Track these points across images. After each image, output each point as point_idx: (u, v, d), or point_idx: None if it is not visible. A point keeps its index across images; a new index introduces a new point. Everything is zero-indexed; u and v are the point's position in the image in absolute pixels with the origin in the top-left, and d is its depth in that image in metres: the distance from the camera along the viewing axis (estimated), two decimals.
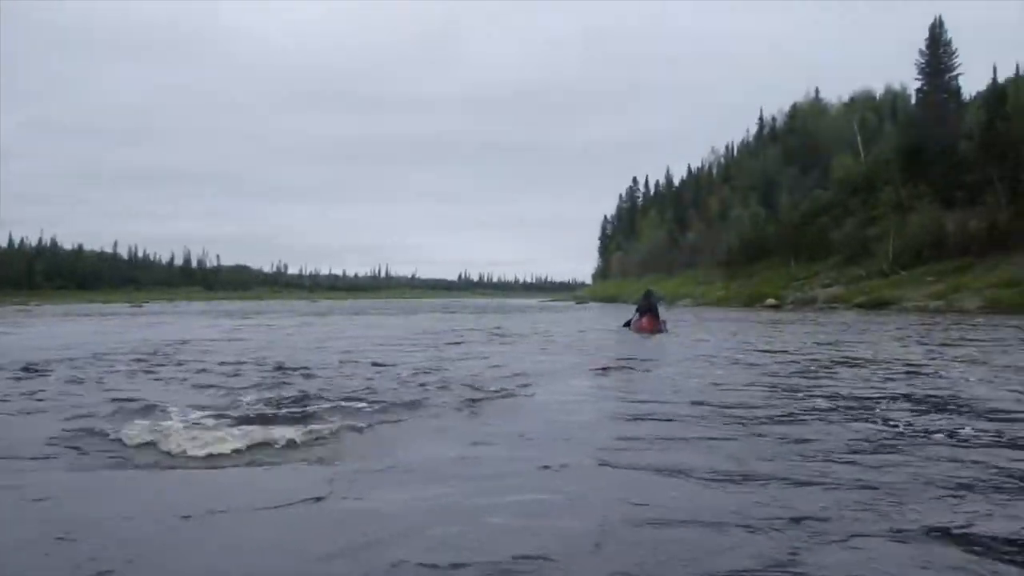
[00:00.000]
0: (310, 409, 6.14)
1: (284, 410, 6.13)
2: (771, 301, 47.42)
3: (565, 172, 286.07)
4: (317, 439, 5.06)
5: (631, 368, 10.26)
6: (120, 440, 5.01)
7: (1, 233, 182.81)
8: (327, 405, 6.35)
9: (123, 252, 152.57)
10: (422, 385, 7.91)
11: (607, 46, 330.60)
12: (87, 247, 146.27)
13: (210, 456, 4.62)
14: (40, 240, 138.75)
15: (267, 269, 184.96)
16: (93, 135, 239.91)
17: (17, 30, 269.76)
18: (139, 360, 11.26)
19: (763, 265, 62.85)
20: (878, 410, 6.36)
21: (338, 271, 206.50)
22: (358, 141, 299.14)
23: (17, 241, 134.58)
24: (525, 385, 8.07)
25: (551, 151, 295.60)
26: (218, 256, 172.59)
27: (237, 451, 4.71)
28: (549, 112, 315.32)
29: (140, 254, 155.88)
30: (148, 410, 6.12)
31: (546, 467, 4.36)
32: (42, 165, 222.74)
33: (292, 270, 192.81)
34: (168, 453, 4.69)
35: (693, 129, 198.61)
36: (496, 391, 7.50)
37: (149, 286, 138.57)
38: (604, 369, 10.08)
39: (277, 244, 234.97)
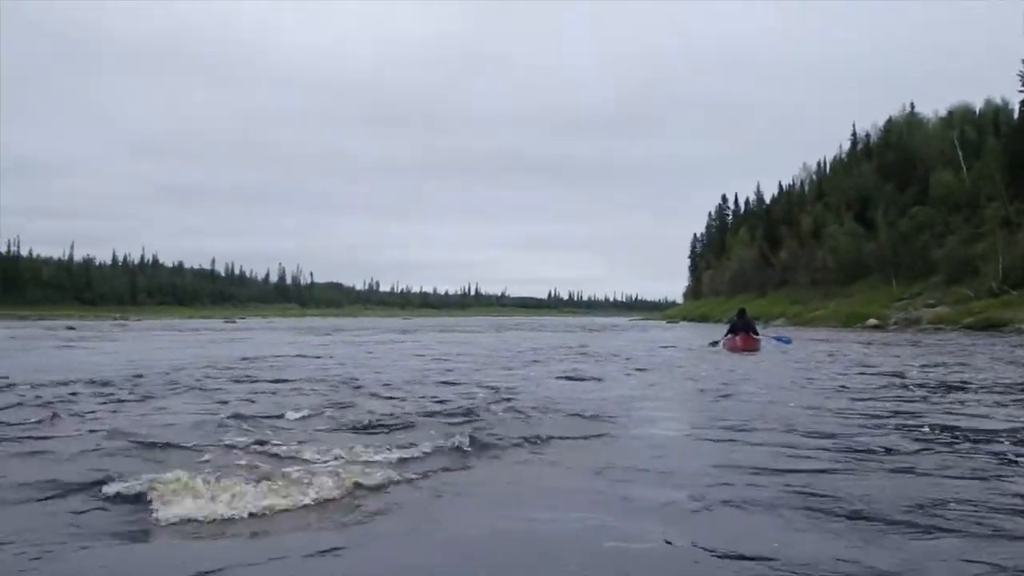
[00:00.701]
0: (399, 439, 5.72)
1: (366, 436, 5.78)
2: (873, 321, 45.56)
3: (651, 190, 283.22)
4: (411, 479, 4.56)
5: (729, 392, 9.67)
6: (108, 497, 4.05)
7: (105, 250, 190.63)
8: (420, 433, 5.96)
9: (220, 269, 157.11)
10: (513, 409, 7.48)
11: (689, 63, 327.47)
12: (187, 264, 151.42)
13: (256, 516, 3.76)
14: (142, 257, 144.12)
15: (359, 287, 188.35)
16: (181, 155, 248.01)
17: (102, 48, 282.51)
18: (207, 376, 11.19)
19: (861, 284, 60.66)
20: (1002, 444, 5.70)
21: (428, 289, 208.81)
22: (438, 159, 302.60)
23: (121, 258, 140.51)
24: (621, 409, 7.63)
25: (635, 169, 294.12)
26: (311, 274, 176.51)
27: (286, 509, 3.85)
28: (631, 129, 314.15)
29: (236, 271, 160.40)
30: (167, 451, 5.26)
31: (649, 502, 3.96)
32: (140, 184, 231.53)
33: (384, 287, 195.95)
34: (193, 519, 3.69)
35: (780, 145, 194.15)
36: (592, 416, 7.10)
37: (245, 302, 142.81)
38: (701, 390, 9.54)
39: (368, 262, 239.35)
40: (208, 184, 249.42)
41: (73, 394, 8.55)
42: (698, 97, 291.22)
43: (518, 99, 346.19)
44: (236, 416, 6.70)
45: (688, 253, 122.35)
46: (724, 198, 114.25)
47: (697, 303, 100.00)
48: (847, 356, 17.39)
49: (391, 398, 8.41)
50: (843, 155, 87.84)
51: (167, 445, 5.38)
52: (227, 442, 5.49)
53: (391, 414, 6.95)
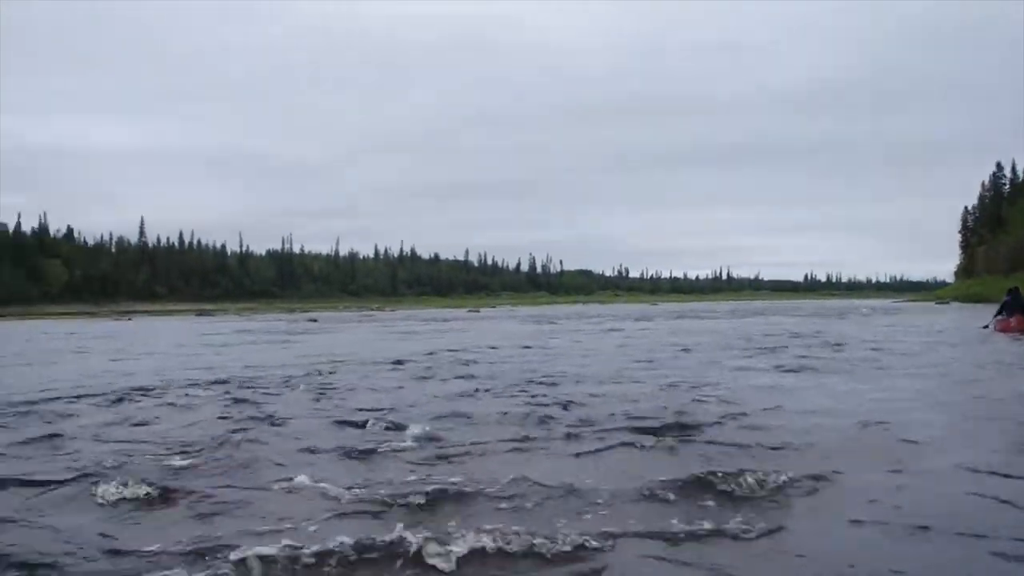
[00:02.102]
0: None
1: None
2: None
3: (909, 168, 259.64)
4: None
5: None
6: None
7: (367, 246, 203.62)
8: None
9: (473, 260, 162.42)
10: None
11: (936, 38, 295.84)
12: (442, 256, 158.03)
13: None
14: (401, 251, 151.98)
15: (608, 273, 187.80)
16: (424, 149, 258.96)
17: (348, 40, 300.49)
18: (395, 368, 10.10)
19: None
20: None
21: (679, 274, 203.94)
22: (685, 146, 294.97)
23: (382, 252, 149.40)
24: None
25: (883, 146, 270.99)
26: (561, 262, 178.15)
27: None
28: (874, 105, 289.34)
29: (489, 261, 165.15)
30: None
31: None
32: (388, 178, 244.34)
33: (634, 274, 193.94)
34: None
35: None
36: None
37: (497, 291, 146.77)
38: None
39: (617, 250, 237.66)
40: (465, 179, 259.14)
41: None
42: (950, 72, 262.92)
43: (760, 82, 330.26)
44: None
45: (959, 228, 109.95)
46: (999, 166, 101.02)
47: (969, 282, 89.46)
48: None
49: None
50: None
51: None
52: None
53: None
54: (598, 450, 4.94)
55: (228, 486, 4.12)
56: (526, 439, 5.28)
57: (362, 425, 5.93)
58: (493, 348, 15.67)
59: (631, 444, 5.06)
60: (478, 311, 65.51)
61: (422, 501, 3.71)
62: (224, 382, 9.44)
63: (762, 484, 3.92)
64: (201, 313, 65.10)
